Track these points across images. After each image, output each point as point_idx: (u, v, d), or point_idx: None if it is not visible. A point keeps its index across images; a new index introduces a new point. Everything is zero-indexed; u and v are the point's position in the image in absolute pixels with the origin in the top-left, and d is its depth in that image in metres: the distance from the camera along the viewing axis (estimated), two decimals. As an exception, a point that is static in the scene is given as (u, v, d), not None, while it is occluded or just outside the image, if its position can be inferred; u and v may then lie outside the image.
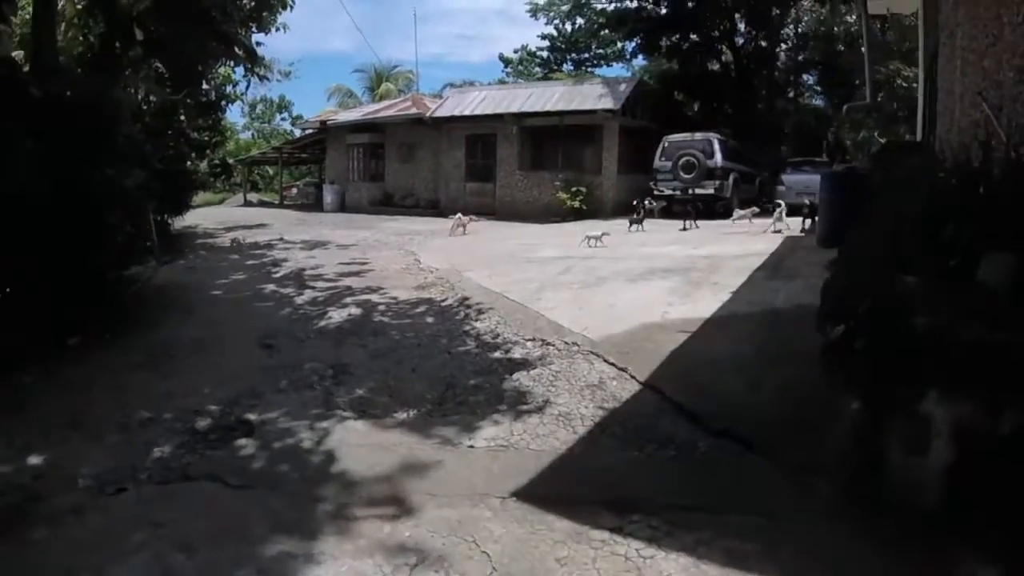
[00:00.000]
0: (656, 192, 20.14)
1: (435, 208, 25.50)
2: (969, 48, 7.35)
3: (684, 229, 16.50)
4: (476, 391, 5.44)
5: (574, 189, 21.50)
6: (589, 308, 7.64)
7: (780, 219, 14.17)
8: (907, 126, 18.08)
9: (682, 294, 7.95)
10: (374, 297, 9.21)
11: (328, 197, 28.91)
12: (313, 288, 9.97)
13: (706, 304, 7.40)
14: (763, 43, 27.21)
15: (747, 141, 22.04)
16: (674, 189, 19.84)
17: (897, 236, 5.19)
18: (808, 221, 13.71)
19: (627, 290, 8.46)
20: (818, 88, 27.41)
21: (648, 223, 17.89)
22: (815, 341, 4.84)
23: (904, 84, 20.56)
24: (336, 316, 8.21)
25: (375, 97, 40.35)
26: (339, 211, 27.63)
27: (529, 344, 6.61)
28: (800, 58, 28.37)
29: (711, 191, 19.53)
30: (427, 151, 26.48)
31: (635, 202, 17.73)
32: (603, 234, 12.96)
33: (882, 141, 18.42)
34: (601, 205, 21.69)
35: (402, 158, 27.50)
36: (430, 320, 7.90)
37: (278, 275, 11.30)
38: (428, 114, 25.97)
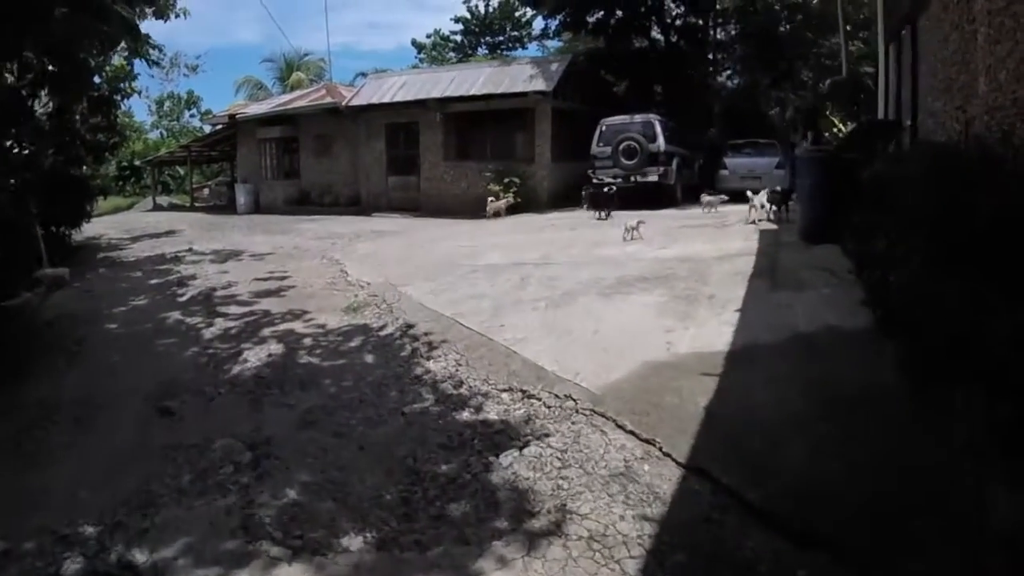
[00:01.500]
0: (595, 181, 18.80)
1: (356, 205, 23.77)
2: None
3: (600, 219, 15.61)
4: (455, 490, 3.89)
5: (506, 180, 19.96)
6: (569, 338, 6.19)
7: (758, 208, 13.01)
8: (857, 106, 17.23)
9: (678, 314, 6.57)
10: (298, 326, 7.60)
11: (241, 198, 26.75)
12: (225, 315, 8.28)
13: (714, 329, 6.04)
14: (694, 19, 26.08)
15: (679, 122, 20.84)
16: (615, 177, 18.49)
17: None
18: (775, 209, 12.56)
19: (606, 309, 7.04)
20: (755, 64, 26.38)
21: (589, 214, 16.64)
22: (870, 379, 4.45)
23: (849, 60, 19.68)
24: (253, 357, 6.59)
25: (286, 88, 38.01)
26: (253, 212, 25.57)
27: (506, 397, 5.14)
28: (734, 33, 27.33)
29: (655, 178, 18.29)
30: (345, 143, 24.60)
31: (590, 190, 16.64)
32: (639, 222, 11.73)
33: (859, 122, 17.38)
34: (536, 197, 20.26)
35: (318, 152, 25.53)
36: (370, 359, 6.35)
37: (184, 298, 9.52)
38: (344, 103, 24.10)
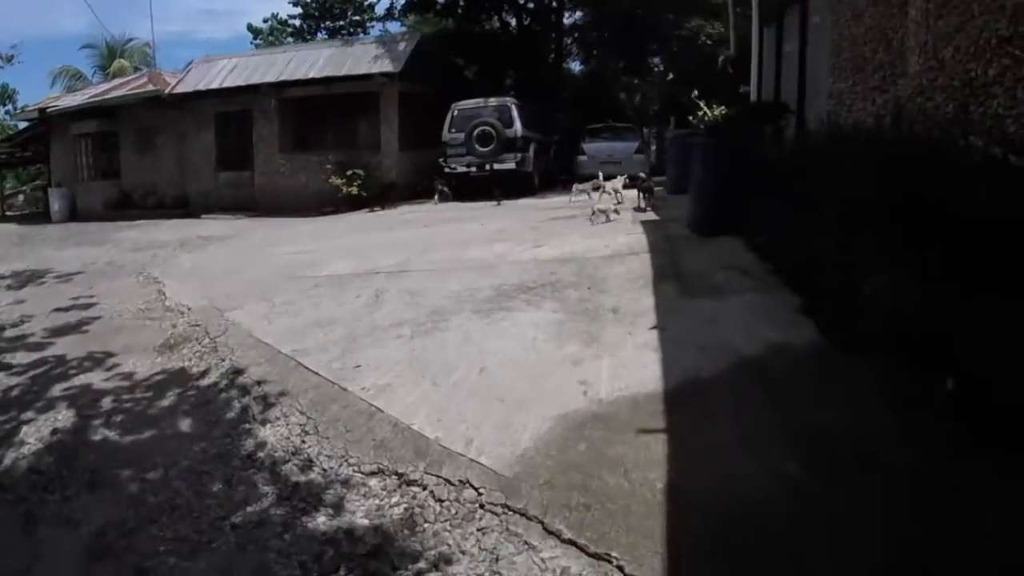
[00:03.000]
0: (448, 170, 17.39)
1: (183, 207, 21.26)
2: None
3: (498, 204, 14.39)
4: None
5: (350, 172, 18.12)
6: (448, 382, 4.70)
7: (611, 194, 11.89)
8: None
9: (582, 337, 5.21)
10: (98, 378, 5.75)
11: (55, 204, 23.43)
12: (7, 368, 6.22)
13: (634, 357, 4.71)
14: (546, 1, 24.97)
15: (531, 106, 19.70)
16: (469, 165, 17.17)
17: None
18: (644, 197, 11.51)
19: (489, 333, 5.59)
20: (609, 49, 25.58)
21: (444, 207, 15.23)
22: (863, 421, 3.53)
23: (709, 42, 19.06)
24: (32, 436, 4.74)
25: (107, 77, 34.20)
26: (69, 220, 22.40)
27: (375, 484, 3.62)
28: (589, 16, 26.38)
29: (512, 165, 17.03)
30: (169, 137, 21.97)
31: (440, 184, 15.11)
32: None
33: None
34: (383, 189, 18.52)
35: (140, 148, 22.65)
36: (186, 428, 4.65)
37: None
38: (167, 90, 21.42)
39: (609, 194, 11.59)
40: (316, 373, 5.19)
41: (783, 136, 9.97)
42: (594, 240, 8.78)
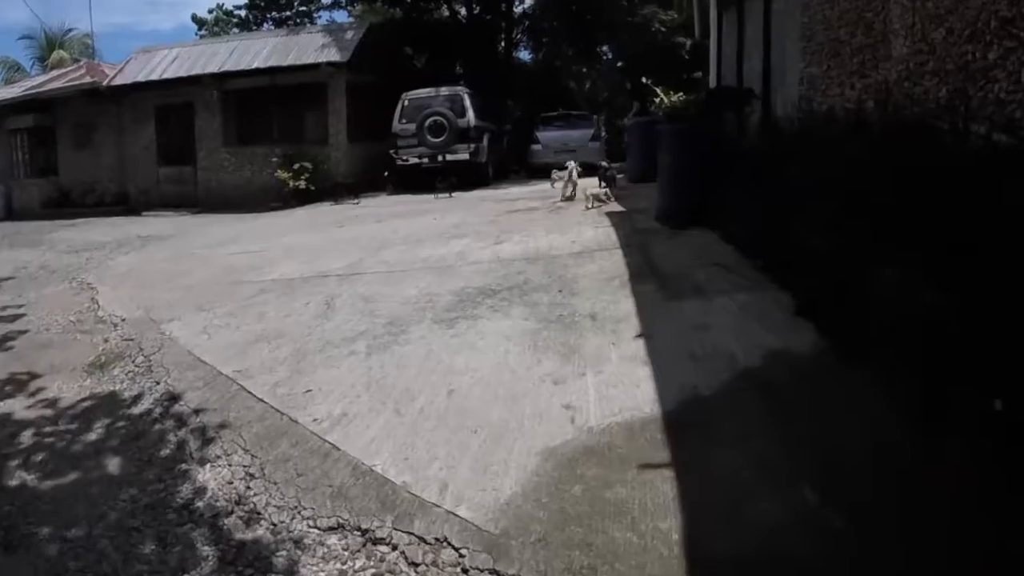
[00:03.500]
0: (399, 162, 16.76)
1: (124, 204, 20.20)
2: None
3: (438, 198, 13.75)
4: None
5: (296, 166, 17.34)
6: (413, 409, 4.13)
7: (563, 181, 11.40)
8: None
9: (560, 350, 4.69)
10: (19, 407, 5.07)
11: (-9, 203, 22.07)
12: None
13: (622, 373, 4.21)
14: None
15: (483, 96, 19.13)
16: (421, 156, 16.56)
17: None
18: (604, 187, 11.05)
19: (455, 347, 5.04)
20: (561, 37, 24.99)
21: (396, 200, 14.61)
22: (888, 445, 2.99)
23: (663, 29, 18.65)
24: None
25: (46, 69, 32.53)
26: (5, 219, 21.05)
27: (335, 543, 3.07)
28: (538, 6, 25.76)
29: (465, 156, 16.45)
30: (108, 132, 20.82)
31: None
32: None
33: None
34: (331, 182, 17.75)
35: (78, 143, 21.40)
36: (115, 469, 4.03)
37: None
38: (105, 82, 20.30)
39: (562, 181, 11.13)
40: (261, 400, 4.59)
41: (748, 123, 9.57)
42: (559, 235, 8.27)
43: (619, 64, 26.54)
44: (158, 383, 5.24)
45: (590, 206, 9.67)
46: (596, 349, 4.65)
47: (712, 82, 12.49)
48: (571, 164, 11.48)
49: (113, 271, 10.10)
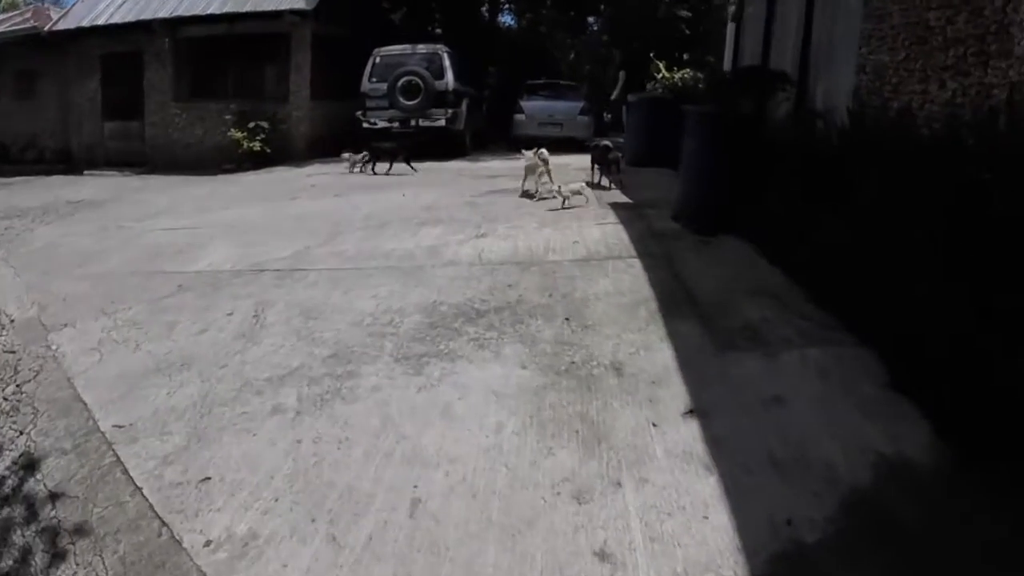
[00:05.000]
0: (367, 124, 15.00)
1: (67, 162, 18.13)
2: None
3: (388, 173, 11.97)
4: None
5: (252, 125, 15.50)
6: (358, 539, 2.63)
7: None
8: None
9: (577, 431, 3.20)
10: None
11: (-81, 158, 19.73)
12: None
13: (679, 490, 2.76)
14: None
15: (464, 57, 17.39)
16: (391, 120, 14.80)
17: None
18: (600, 174, 9.50)
19: (420, 409, 3.53)
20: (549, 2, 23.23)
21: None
22: None
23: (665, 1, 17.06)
24: None
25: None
26: (-62, 176, 18.97)
27: None
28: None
29: (441, 122, 14.74)
30: (51, 82, 18.59)
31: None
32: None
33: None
34: (291, 144, 16.06)
35: (19, 94, 19.15)
36: None
37: None
38: (47, 27, 18.14)
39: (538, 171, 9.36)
40: (139, 490, 3.07)
41: (774, 113, 8.02)
42: (556, 230, 6.75)
43: (604, 37, 24.83)
44: (21, 433, 3.76)
45: (563, 206, 7.80)
46: (631, 434, 3.17)
47: (728, 64, 10.91)
48: (543, 152, 9.44)
49: (26, 247, 8.44)
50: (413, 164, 12.15)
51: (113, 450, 3.47)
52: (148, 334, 4.94)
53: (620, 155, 9.17)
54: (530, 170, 9.16)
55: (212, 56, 17.20)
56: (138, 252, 7.45)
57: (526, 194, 8.90)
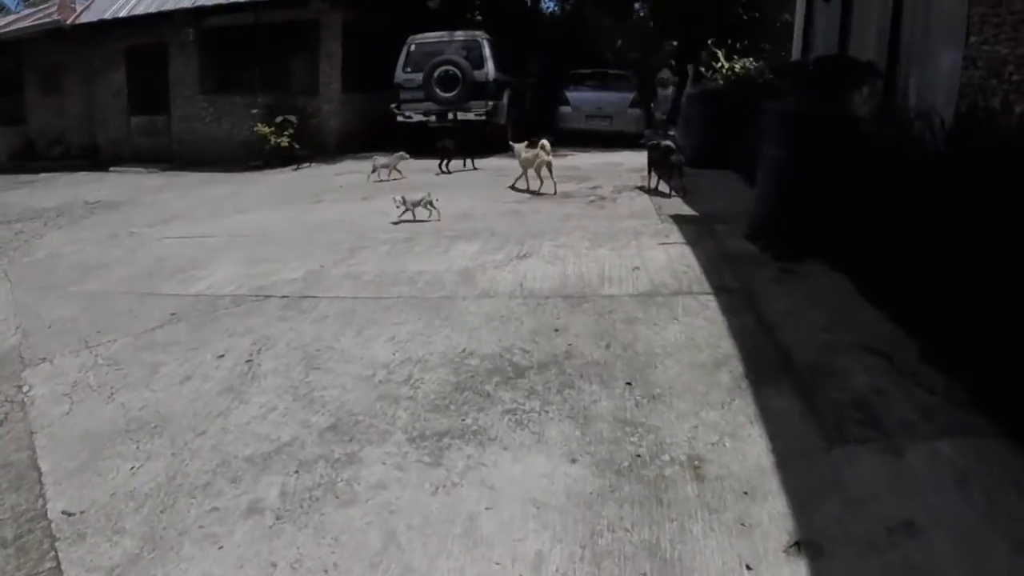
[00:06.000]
0: (401, 118, 14.13)
1: (93, 157, 17.46)
2: None
3: (442, 172, 11.21)
4: None
5: (279, 119, 14.65)
6: None
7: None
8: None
9: (647, 569, 2.32)
10: None
11: (-50, 156, 19.28)
12: None
13: None
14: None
15: (504, 45, 16.36)
16: (427, 113, 13.90)
17: None
18: (657, 179, 8.49)
19: (434, 517, 2.69)
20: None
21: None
22: None
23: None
24: None
25: (29, 5, 29.54)
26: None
27: None
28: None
29: (482, 115, 13.77)
30: (77, 77, 17.95)
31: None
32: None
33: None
34: (321, 139, 15.21)
35: (45, 89, 18.52)
36: None
37: None
38: (69, 20, 17.53)
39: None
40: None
41: (857, 111, 6.97)
42: (612, 251, 5.83)
43: (651, 23, 23.63)
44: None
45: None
46: (722, 580, 2.25)
47: (796, 53, 9.83)
48: (545, 143, 8.68)
49: (30, 256, 7.83)
50: (476, 162, 11.47)
51: (56, 551, 2.70)
52: (127, 378, 4.18)
53: (682, 160, 8.13)
54: (527, 163, 8.73)
55: (239, 48, 16.40)
56: (140, 266, 6.75)
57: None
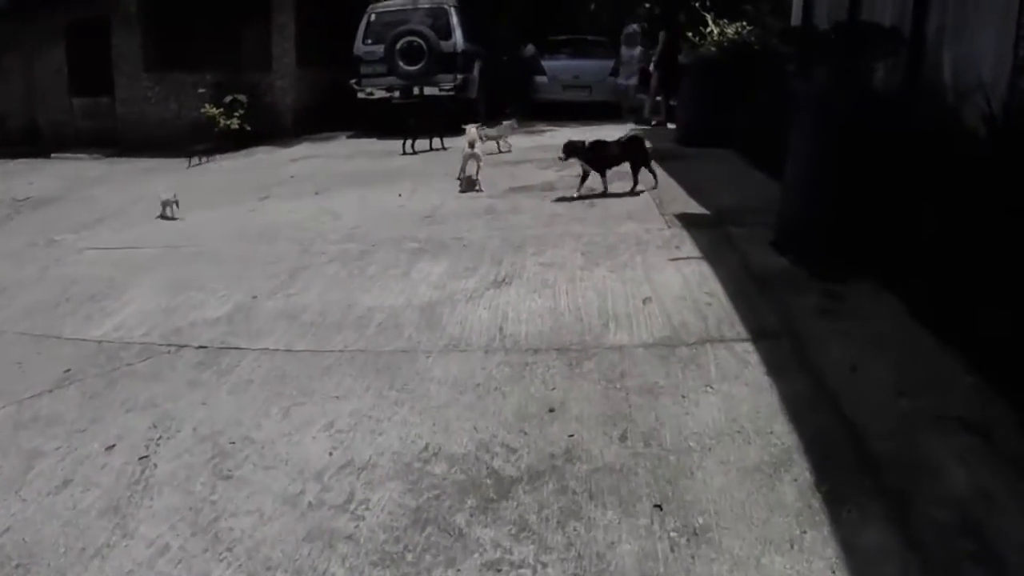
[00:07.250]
0: (363, 95, 13.02)
1: (34, 143, 16.16)
2: None
3: (407, 153, 10.33)
4: None
5: (229, 99, 13.50)
6: None
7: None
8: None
9: None
10: None
11: None
12: None
13: None
14: None
15: (474, 11, 15.13)
16: (390, 89, 12.81)
17: None
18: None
19: None
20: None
21: (352, 148, 11.06)
22: None
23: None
24: None
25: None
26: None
27: None
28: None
29: (450, 89, 12.70)
30: (17, 56, 16.66)
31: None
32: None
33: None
34: (275, 118, 14.05)
35: None
36: None
37: None
38: None
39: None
40: None
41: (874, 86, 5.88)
42: (613, 270, 4.81)
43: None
44: None
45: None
46: None
47: (797, 18, 8.77)
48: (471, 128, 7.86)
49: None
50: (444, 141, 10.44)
51: None
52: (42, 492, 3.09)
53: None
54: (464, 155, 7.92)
55: (185, 19, 15.14)
56: (49, 291, 5.76)
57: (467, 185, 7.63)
